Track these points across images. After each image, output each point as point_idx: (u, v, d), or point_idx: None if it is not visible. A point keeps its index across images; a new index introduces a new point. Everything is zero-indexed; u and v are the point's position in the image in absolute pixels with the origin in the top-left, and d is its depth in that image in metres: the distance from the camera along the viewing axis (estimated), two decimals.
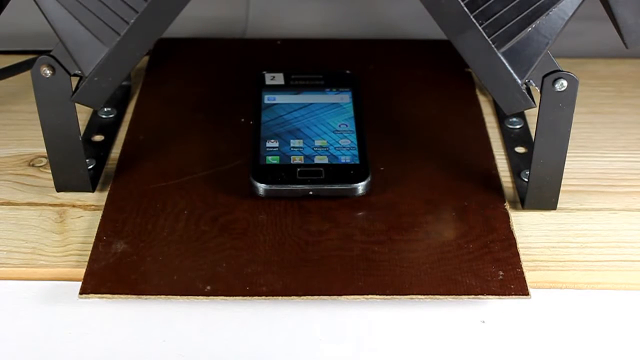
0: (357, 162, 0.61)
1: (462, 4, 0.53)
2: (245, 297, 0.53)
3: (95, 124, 0.68)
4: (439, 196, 0.60)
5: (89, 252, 0.55)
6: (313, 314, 0.54)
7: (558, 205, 0.60)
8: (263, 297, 0.53)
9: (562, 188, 0.59)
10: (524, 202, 0.60)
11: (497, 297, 0.53)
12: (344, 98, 0.67)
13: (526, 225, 0.59)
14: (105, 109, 0.69)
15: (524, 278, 0.54)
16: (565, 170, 0.58)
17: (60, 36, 0.54)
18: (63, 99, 0.57)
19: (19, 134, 0.67)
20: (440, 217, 0.59)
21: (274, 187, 0.59)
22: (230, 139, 0.66)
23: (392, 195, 0.60)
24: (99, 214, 0.59)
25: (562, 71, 0.55)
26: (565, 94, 0.55)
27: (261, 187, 0.59)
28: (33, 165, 0.64)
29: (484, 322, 0.53)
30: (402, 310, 0.54)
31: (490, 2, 0.53)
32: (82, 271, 0.54)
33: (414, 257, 0.55)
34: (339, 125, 0.64)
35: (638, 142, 0.67)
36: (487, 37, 0.54)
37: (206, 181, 0.62)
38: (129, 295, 0.53)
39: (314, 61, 0.75)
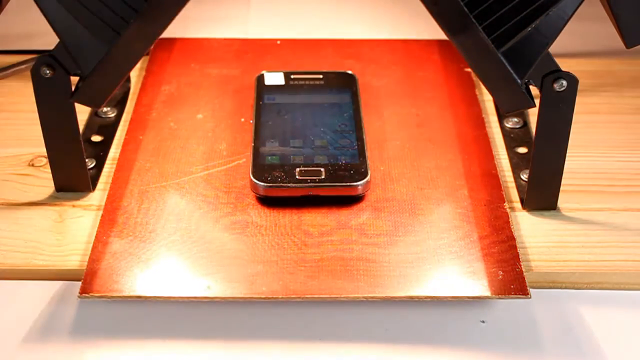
0: (357, 161, 0.61)
1: (462, 4, 0.53)
2: (245, 297, 0.53)
3: (94, 124, 0.68)
4: (439, 196, 0.60)
5: (89, 252, 0.56)
6: (313, 314, 0.54)
7: (558, 205, 0.60)
8: (263, 298, 0.53)
9: (562, 188, 0.59)
10: (524, 202, 0.60)
11: (497, 297, 0.53)
12: (344, 98, 0.67)
13: (526, 225, 0.59)
14: (105, 109, 0.69)
15: (524, 278, 0.54)
16: (565, 170, 0.58)
17: (60, 36, 0.54)
18: (63, 99, 0.57)
19: (19, 134, 0.67)
20: (440, 217, 0.59)
21: (273, 187, 0.59)
22: (230, 139, 0.66)
23: (392, 195, 0.60)
24: (99, 214, 0.59)
25: (562, 71, 0.55)
26: (565, 94, 0.55)
27: (261, 186, 0.59)
28: (33, 165, 0.64)
29: (484, 322, 0.53)
30: (402, 310, 0.54)
31: (490, 2, 0.53)
32: (82, 271, 0.54)
33: (414, 257, 0.55)
34: (339, 125, 0.64)
35: (638, 142, 0.67)
36: (487, 37, 0.54)
37: (206, 181, 0.62)
38: (129, 295, 0.53)
39: (314, 61, 0.75)
